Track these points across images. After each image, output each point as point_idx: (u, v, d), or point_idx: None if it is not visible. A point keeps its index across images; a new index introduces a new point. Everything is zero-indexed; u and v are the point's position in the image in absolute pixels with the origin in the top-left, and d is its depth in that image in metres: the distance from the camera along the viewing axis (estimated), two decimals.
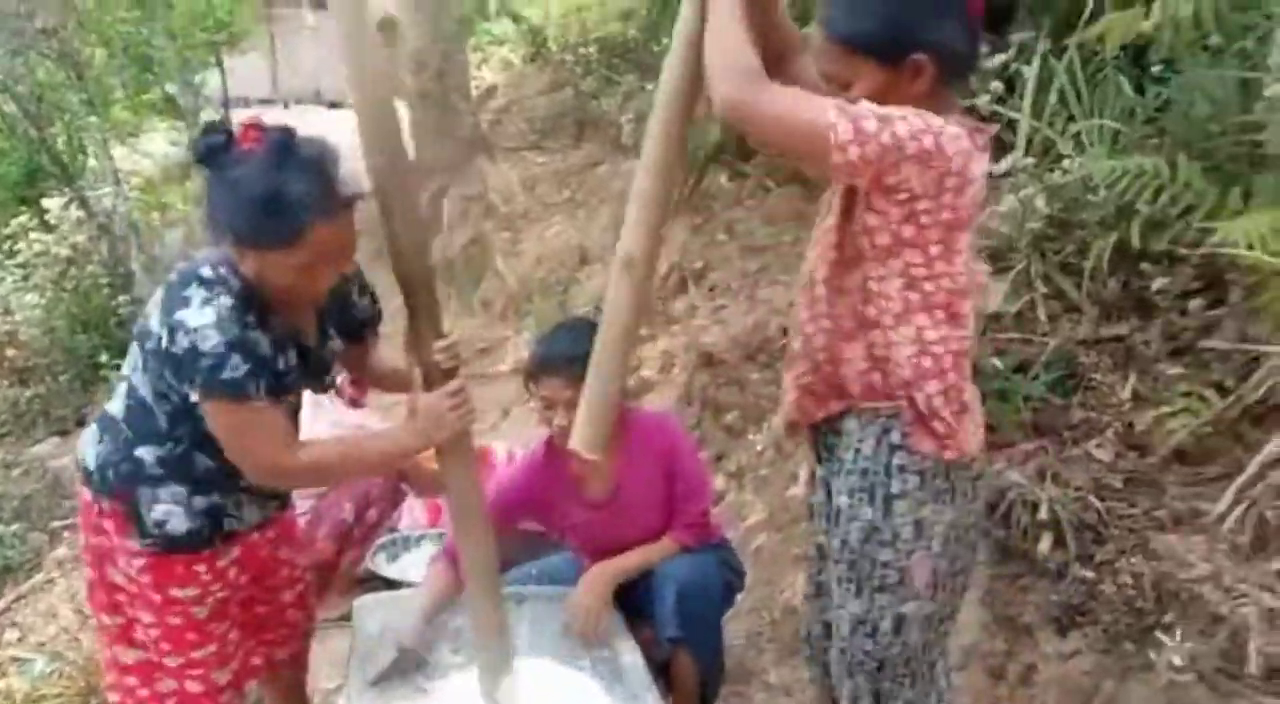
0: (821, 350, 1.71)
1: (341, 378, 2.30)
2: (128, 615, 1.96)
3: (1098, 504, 2.38)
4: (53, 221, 7.22)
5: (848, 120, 1.49)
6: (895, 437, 1.65)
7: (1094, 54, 3.32)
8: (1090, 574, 2.29)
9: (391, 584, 3.07)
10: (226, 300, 1.72)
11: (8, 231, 7.33)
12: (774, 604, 2.90)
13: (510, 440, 4.52)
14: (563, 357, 2.19)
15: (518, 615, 2.34)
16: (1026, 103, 3.26)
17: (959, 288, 1.62)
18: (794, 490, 3.23)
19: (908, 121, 1.50)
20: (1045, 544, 2.39)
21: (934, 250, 1.58)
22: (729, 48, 1.58)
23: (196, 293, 1.71)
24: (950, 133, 1.53)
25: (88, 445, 1.93)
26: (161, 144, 10.56)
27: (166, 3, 8.55)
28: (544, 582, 2.55)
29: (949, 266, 1.60)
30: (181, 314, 1.70)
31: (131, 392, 1.87)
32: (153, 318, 1.75)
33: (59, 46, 7.48)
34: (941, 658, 1.81)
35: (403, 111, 7.72)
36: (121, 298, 6.84)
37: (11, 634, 3.85)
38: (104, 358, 6.49)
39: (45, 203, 7.46)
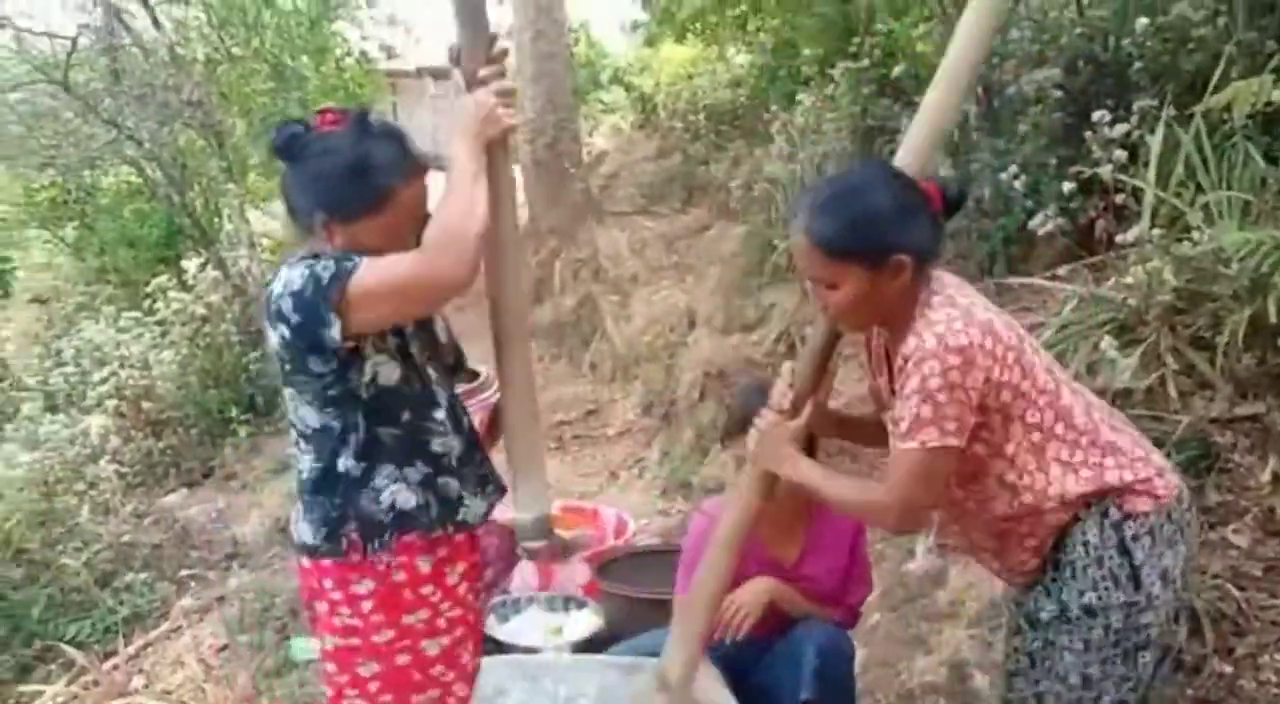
0: (993, 550, 1.83)
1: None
2: (339, 683, 1.93)
3: (1236, 593, 2.27)
4: (190, 281, 7.57)
5: (929, 429, 1.63)
6: (1114, 514, 1.72)
7: (1221, 122, 3.24)
8: (1229, 668, 2.18)
9: (502, 646, 3.09)
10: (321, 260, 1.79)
11: (148, 290, 7.72)
12: (889, 687, 2.83)
13: (618, 505, 4.56)
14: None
15: (631, 685, 2.34)
16: (1151, 172, 3.19)
17: (1061, 398, 1.73)
18: (909, 566, 3.17)
19: (960, 377, 1.61)
20: (1181, 635, 2.28)
21: (1042, 401, 1.70)
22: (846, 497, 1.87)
23: (285, 270, 1.79)
24: (977, 317, 1.66)
25: (297, 523, 1.94)
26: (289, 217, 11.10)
27: (301, 77, 9.05)
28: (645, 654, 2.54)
29: (1043, 391, 1.70)
30: (278, 284, 1.77)
31: (303, 436, 1.90)
32: (269, 315, 1.80)
33: (202, 117, 7.96)
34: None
35: (518, 177, 7.96)
36: (252, 355, 7.14)
37: (139, 681, 3.99)
38: (233, 412, 6.78)
39: (184, 263, 7.85)
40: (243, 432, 6.62)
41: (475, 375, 3.10)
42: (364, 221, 1.80)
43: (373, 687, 1.90)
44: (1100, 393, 2.75)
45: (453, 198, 1.80)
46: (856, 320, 1.81)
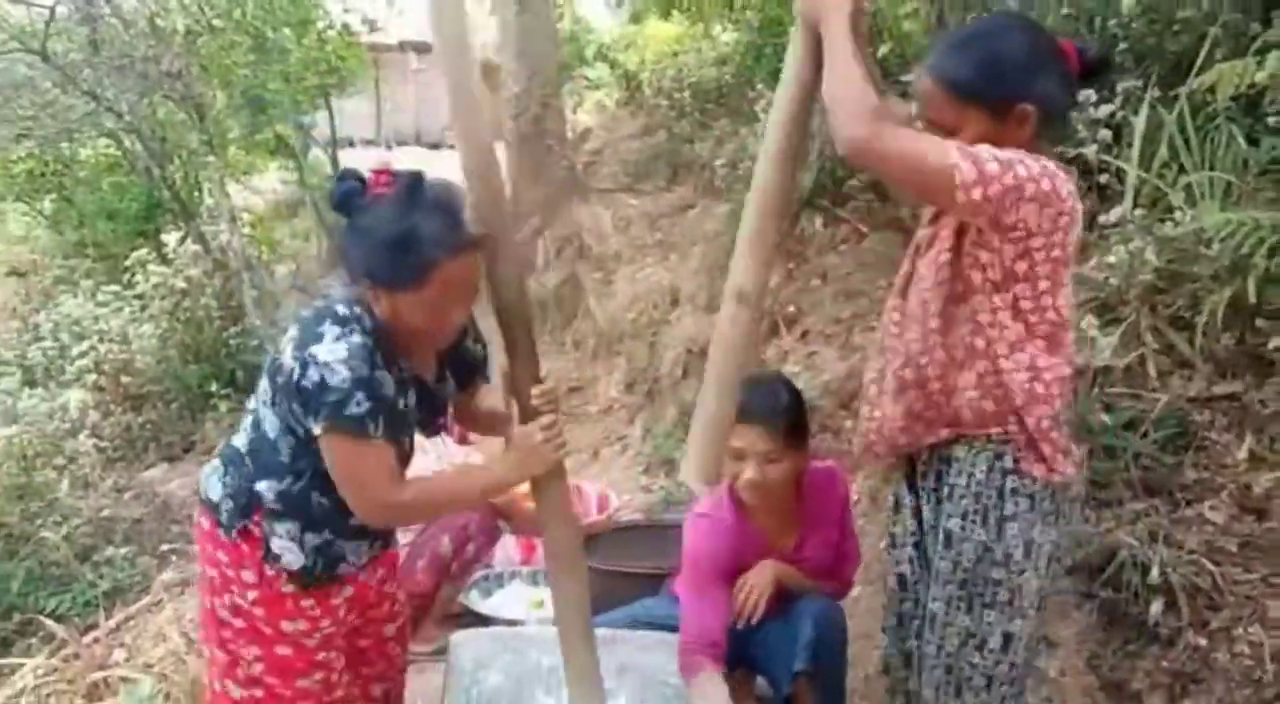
0: (935, 379, 1.78)
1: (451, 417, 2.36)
2: (232, 651, 1.99)
3: (1212, 568, 2.30)
4: (170, 255, 7.52)
5: (970, 161, 1.58)
6: (1008, 462, 1.74)
7: (1205, 104, 3.26)
8: (1204, 641, 2.21)
9: (484, 620, 3.10)
10: (358, 338, 1.78)
11: (127, 264, 7.66)
12: (869, 660, 2.85)
13: (601, 481, 4.57)
14: (764, 409, 2.21)
15: (609, 656, 2.34)
16: (1135, 153, 3.21)
17: (1063, 320, 1.72)
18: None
19: (1025, 165, 1.61)
20: (1156, 608, 2.32)
21: (1043, 285, 1.68)
22: (850, 88, 1.64)
23: (330, 329, 1.78)
24: (1063, 176, 1.65)
25: (211, 477, 1.99)
26: (273, 182, 11.01)
27: (283, 49, 8.94)
28: (639, 625, 2.56)
29: (1055, 299, 1.70)
30: (315, 348, 1.76)
31: (257, 425, 1.93)
32: (286, 352, 1.81)
33: (182, 89, 7.85)
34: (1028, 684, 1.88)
35: (501, 154, 7.92)
36: (232, 329, 7.11)
37: (119, 654, 3.97)
38: (213, 387, 6.74)
39: (163, 237, 7.81)
40: (223, 406, 6.58)
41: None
42: (405, 294, 1.78)
43: (256, 668, 1.98)
44: (1081, 371, 2.79)
45: (448, 489, 2.04)
46: None
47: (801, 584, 2.40)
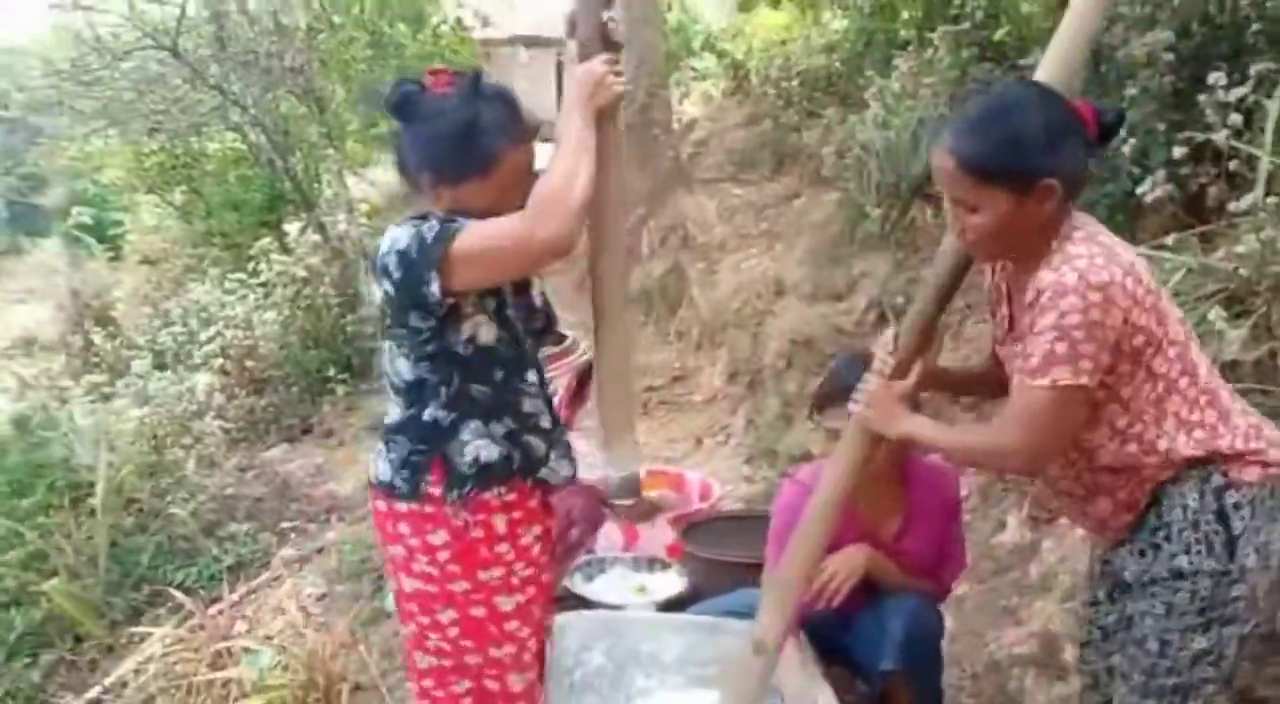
0: (1107, 493, 1.76)
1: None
2: (422, 625, 2.00)
3: None
4: (291, 245, 7.81)
5: (1063, 366, 1.58)
6: (1217, 480, 1.68)
7: None
8: None
9: (587, 603, 3.15)
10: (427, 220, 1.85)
11: (251, 253, 7.96)
12: (977, 658, 2.80)
13: (703, 470, 4.58)
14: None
15: (714, 645, 2.36)
16: (1268, 137, 3.05)
17: (1190, 352, 1.68)
18: (999, 537, 3.12)
19: (1100, 316, 1.56)
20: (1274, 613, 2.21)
21: (1153, 362, 1.65)
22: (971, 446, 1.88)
23: (392, 229, 1.87)
24: (1100, 258, 1.60)
25: (375, 462, 2.01)
26: (388, 174, 11.30)
27: (399, 44, 9.17)
28: (737, 614, 2.56)
29: (1174, 342, 1.66)
30: (386, 241, 1.85)
31: (395, 389, 1.96)
32: (376, 272, 1.88)
33: (303, 84, 8.14)
34: None
35: None
36: (349, 317, 7.33)
37: (242, 625, 4.16)
38: (331, 371, 6.97)
39: (285, 227, 8.12)
40: (340, 390, 6.81)
41: (562, 338, 3.15)
42: (471, 184, 1.84)
43: (452, 631, 1.98)
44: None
45: (559, 163, 1.84)
46: (993, 248, 1.74)
47: (894, 578, 2.36)
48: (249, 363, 7.25)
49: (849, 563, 2.31)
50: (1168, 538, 1.70)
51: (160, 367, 7.37)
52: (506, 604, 1.98)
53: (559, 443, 2.05)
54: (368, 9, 9.11)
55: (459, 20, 10.62)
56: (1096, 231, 1.66)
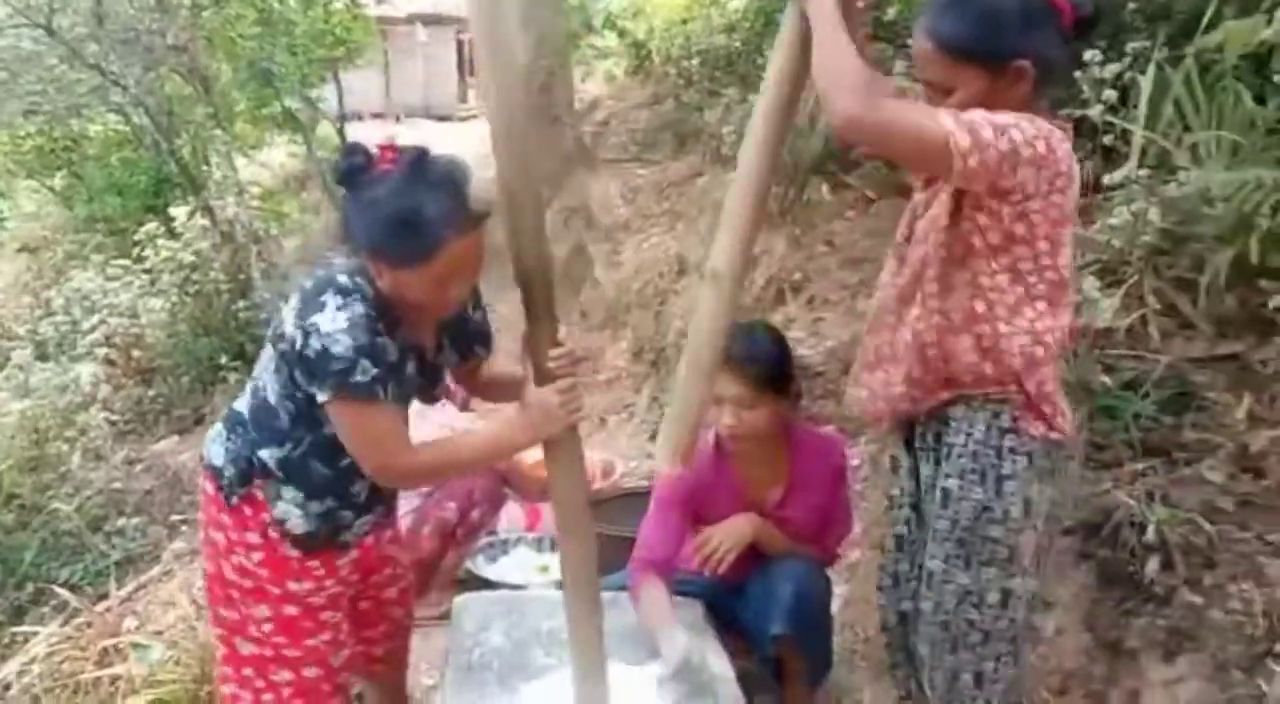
0: (932, 345, 1.78)
1: (452, 384, 2.36)
2: (242, 612, 2.01)
3: (1208, 527, 2.29)
4: (178, 229, 7.54)
5: (965, 129, 1.57)
6: (1005, 420, 1.75)
7: (1212, 63, 3.21)
8: (1199, 599, 2.21)
9: (489, 585, 3.13)
10: (360, 308, 1.76)
11: (137, 238, 7.69)
12: (869, 622, 2.86)
13: (607, 449, 4.59)
14: (740, 355, 2.21)
15: (610, 619, 2.36)
16: (1141, 112, 3.17)
17: (1063, 280, 1.73)
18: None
19: (1020, 128, 1.60)
20: (1152, 567, 2.31)
21: (1042, 246, 1.68)
22: (840, 62, 1.62)
23: (332, 299, 1.77)
24: (1058, 136, 1.65)
25: (214, 442, 2.00)
26: (280, 156, 11.01)
27: (289, 21, 8.92)
28: None
29: (1055, 260, 1.71)
30: (316, 318, 1.75)
31: (258, 391, 1.94)
32: (288, 321, 1.80)
33: (188, 62, 7.88)
34: (1027, 643, 1.90)
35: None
36: (241, 302, 7.13)
37: (131, 622, 4.02)
38: (223, 359, 6.78)
39: (172, 211, 7.81)
40: (233, 379, 6.62)
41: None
42: (408, 271, 1.77)
43: (266, 627, 2.00)
44: (1082, 333, 2.77)
45: (462, 449, 1.98)
46: None
47: (779, 544, 2.40)
48: (136, 352, 7.02)
49: (734, 531, 2.34)
50: (947, 457, 1.79)
51: (42, 358, 7.07)
52: (319, 600, 2.02)
53: (367, 506, 2.04)
54: None
55: None
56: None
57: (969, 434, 1.77)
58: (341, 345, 1.73)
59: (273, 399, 1.90)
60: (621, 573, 2.67)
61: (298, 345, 1.77)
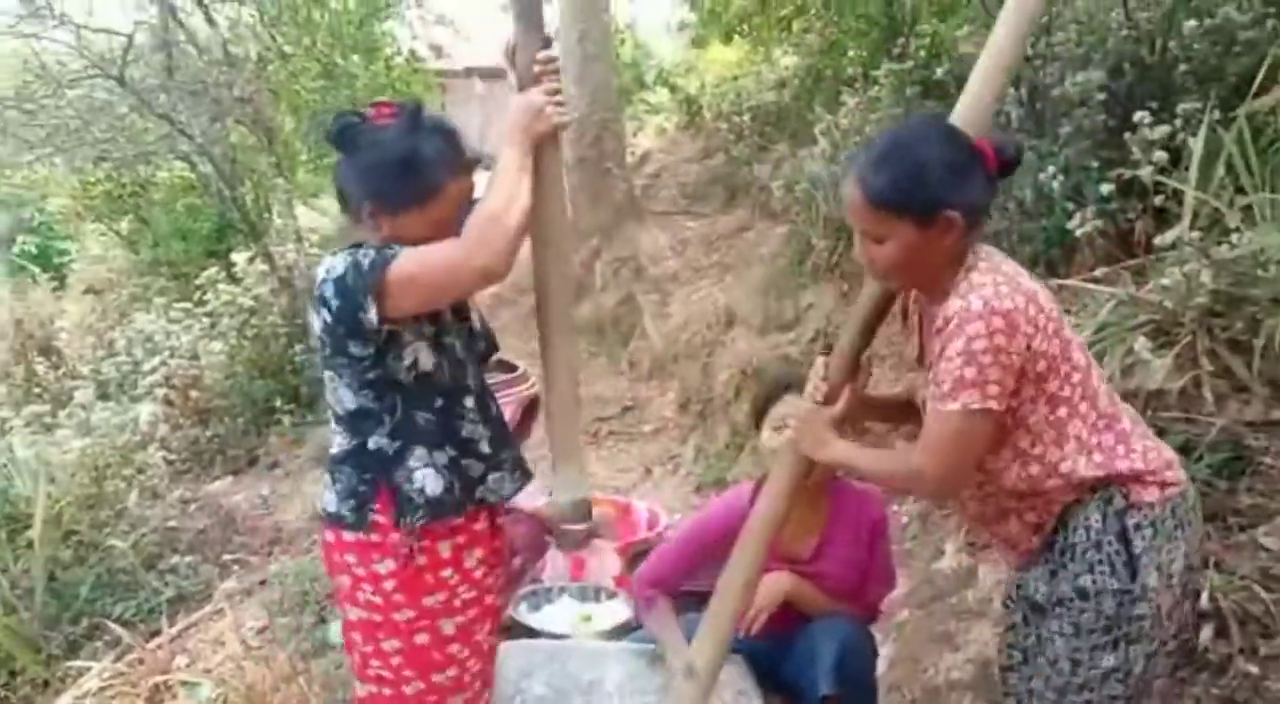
0: (1014, 514, 1.81)
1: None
2: (365, 654, 2.01)
3: (1265, 595, 2.25)
4: (239, 275, 7.72)
5: (971, 390, 1.63)
6: (1119, 502, 1.73)
7: (1265, 125, 3.21)
8: (1255, 669, 2.16)
9: (532, 633, 3.14)
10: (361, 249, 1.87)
11: (198, 282, 7.87)
12: (915, 683, 2.83)
13: (652, 500, 4.59)
14: (798, 380, 2.29)
15: (655, 674, 2.37)
16: (1193, 174, 3.17)
17: (1091, 378, 1.74)
18: (938, 564, 3.17)
19: (1005, 341, 1.62)
20: (1207, 635, 2.27)
21: (1053, 386, 1.70)
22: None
23: (338, 254, 1.88)
24: (1003, 287, 1.65)
25: (325, 494, 2.02)
26: (338, 205, 11.24)
27: (351, 75, 9.18)
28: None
29: (1075, 367, 1.72)
30: (327, 265, 1.86)
31: (338, 418, 1.97)
32: (317, 293, 1.88)
33: (253, 113, 8.10)
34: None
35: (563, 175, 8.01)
36: (297, 347, 7.24)
37: (181, 659, 4.08)
38: (278, 402, 6.88)
39: (233, 257, 8.00)
40: (287, 421, 6.73)
41: (513, 368, 3.16)
42: (410, 214, 1.86)
43: (395, 660, 1.99)
44: (1134, 394, 2.75)
45: (496, 191, 1.86)
46: (901, 277, 1.80)
47: (816, 603, 2.39)
48: (194, 393, 7.15)
49: (767, 591, 2.35)
50: (1072, 558, 1.75)
51: (104, 397, 7.23)
52: (448, 626, 2.00)
53: (501, 463, 2.05)
54: (319, 40, 9.11)
55: (412, 52, 10.67)
56: (1000, 262, 1.72)
57: (1088, 528, 1.74)
58: (356, 256, 1.82)
59: (352, 403, 1.93)
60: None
61: (328, 297, 1.83)
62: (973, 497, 1.85)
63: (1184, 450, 2.64)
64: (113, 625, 4.21)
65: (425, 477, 1.93)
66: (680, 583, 2.51)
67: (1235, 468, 2.58)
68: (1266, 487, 2.50)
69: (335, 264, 1.85)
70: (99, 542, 5.23)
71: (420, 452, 1.94)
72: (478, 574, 2.04)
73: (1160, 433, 2.66)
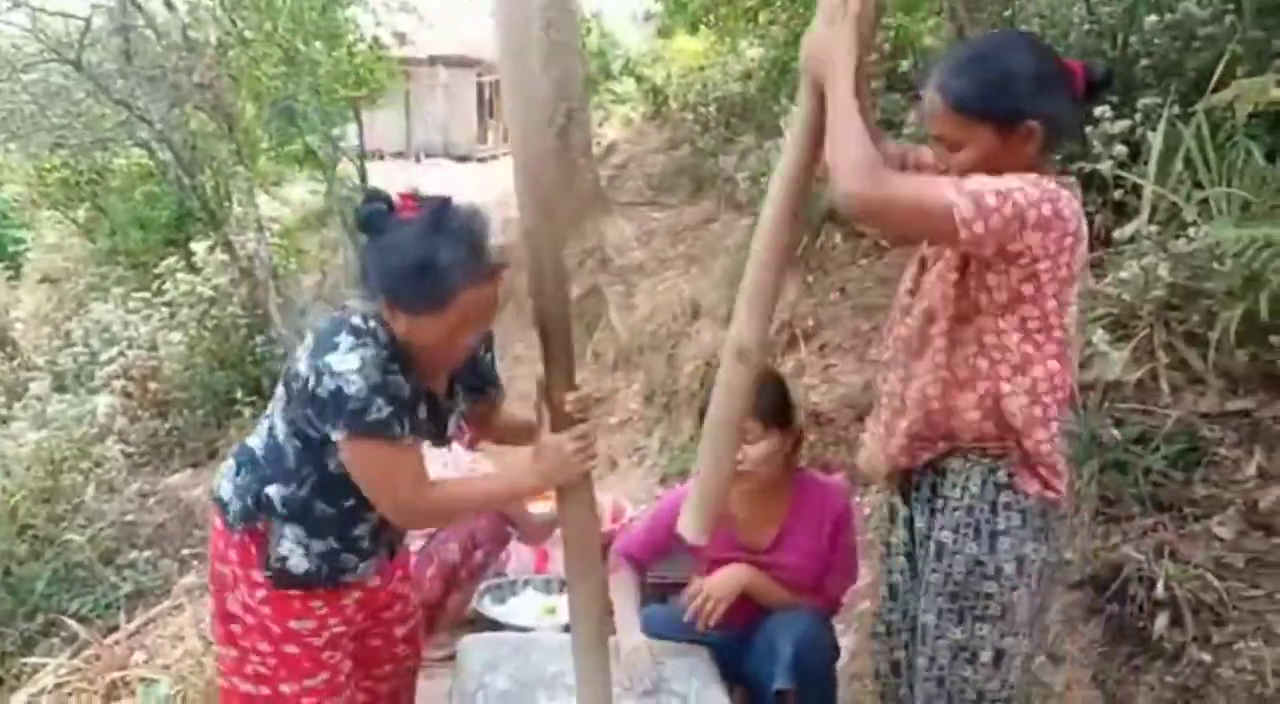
0: (936, 399, 1.78)
1: (459, 422, 2.38)
2: (243, 647, 2.01)
3: (1218, 584, 2.29)
4: (198, 264, 7.64)
5: (968, 198, 1.59)
6: (1002, 476, 1.75)
7: (1224, 120, 3.25)
8: (1208, 657, 2.20)
9: (496, 625, 3.13)
10: (372, 350, 1.80)
11: (157, 272, 7.78)
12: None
13: (617, 492, 4.59)
14: None
15: (619, 662, 2.36)
16: (1152, 168, 3.20)
17: (1068, 339, 1.73)
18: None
19: (1024, 191, 1.61)
20: (1161, 623, 2.31)
21: (1049, 305, 1.68)
22: (850, 143, 1.65)
23: (345, 339, 1.80)
24: (1065, 196, 1.65)
25: (224, 477, 2.02)
26: (301, 193, 11.14)
27: (313, 62, 9.07)
28: (647, 634, 2.57)
29: (1061, 319, 1.71)
30: (329, 358, 1.78)
31: (270, 430, 1.96)
32: (302, 361, 1.83)
33: (212, 100, 8.00)
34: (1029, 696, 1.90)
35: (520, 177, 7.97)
36: (258, 337, 7.18)
37: (139, 655, 4.03)
38: (239, 394, 6.82)
39: (193, 246, 7.92)
40: (248, 413, 6.67)
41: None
42: (423, 318, 1.80)
43: (271, 661, 1.99)
44: (1092, 385, 2.78)
45: (484, 486, 2.01)
46: None
47: (774, 595, 2.38)
48: (152, 385, 7.07)
49: (724, 583, 2.34)
50: (941, 510, 1.79)
51: (60, 389, 7.13)
52: (319, 641, 2.01)
53: (370, 548, 2.04)
54: (281, 26, 8.99)
55: (376, 39, 10.56)
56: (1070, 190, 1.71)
57: (965, 488, 1.78)
58: (355, 385, 1.76)
59: (281, 438, 1.92)
60: (655, 613, 2.67)
61: (310, 385, 1.79)
62: (910, 361, 1.81)
63: (1140, 440, 2.69)
64: (69, 621, 4.15)
65: (292, 553, 1.94)
66: (649, 560, 2.51)
67: (1190, 459, 2.62)
68: (1221, 477, 2.54)
69: (350, 372, 1.77)
70: (55, 536, 5.16)
71: (299, 532, 1.94)
72: (350, 610, 2.05)
73: (1118, 423, 2.72)
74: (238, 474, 1.99)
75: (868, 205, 1.66)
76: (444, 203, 1.82)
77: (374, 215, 1.82)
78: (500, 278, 1.84)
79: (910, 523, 1.91)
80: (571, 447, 1.88)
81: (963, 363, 1.75)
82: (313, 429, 1.85)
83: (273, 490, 1.93)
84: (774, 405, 2.26)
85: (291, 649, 1.99)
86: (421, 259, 1.75)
